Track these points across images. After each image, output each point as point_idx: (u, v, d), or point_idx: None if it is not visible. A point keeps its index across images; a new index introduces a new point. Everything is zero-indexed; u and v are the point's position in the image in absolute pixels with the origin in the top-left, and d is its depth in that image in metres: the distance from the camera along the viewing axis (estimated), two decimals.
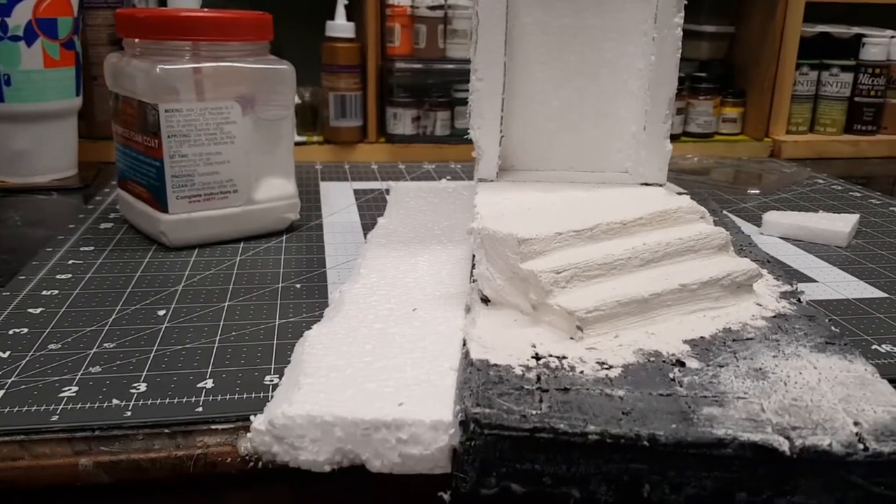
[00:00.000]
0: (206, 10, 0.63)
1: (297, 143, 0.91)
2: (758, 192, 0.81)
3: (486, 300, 0.43)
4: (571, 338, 0.38)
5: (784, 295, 0.45)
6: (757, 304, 0.43)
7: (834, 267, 0.59)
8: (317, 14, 0.90)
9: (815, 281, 0.56)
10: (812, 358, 0.37)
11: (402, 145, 0.93)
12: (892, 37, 1.04)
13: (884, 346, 0.46)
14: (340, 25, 0.88)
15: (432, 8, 0.88)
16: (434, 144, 0.93)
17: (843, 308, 0.51)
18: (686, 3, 0.49)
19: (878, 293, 0.54)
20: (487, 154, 0.53)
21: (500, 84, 0.51)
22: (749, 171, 0.92)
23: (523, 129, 0.55)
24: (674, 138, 0.99)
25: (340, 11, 0.88)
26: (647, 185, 0.53)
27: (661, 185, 0.52)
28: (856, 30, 1.05)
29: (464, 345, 0.38)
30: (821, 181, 0.88)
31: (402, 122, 0.93)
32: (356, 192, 0.79)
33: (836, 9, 1.05)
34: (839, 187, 0.85)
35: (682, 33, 0.49)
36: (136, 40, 0.58)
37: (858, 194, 0.83)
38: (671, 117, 0.51)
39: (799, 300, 0.45)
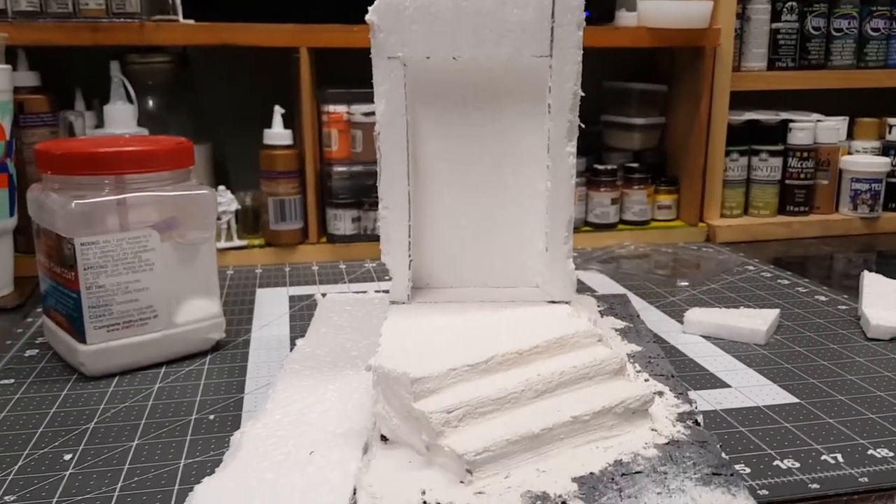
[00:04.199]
0: (125, 141, 0.64)
1: (238, 248, 0.92)
2: (687, 283, 0.83)
3: (385, 438, 0.43)
4: (462, 481, 0.39)
5: (681, 417, 0.46)
6: (652, 429, 0.44)
7: (750, 369, 0.61)
8: (258, 119, 0.92)
9: (728, 386, 0.57)
10: (696, 493, 0.38)
11: (343, 244, 0.95)
12: (818, 121, 1.08)
13: (786, 461, 0.47)
14: (278, 133, 0.90)
15: (367, 114, 0.90)
16: (374, 242, 0.94)
17: (752, 418, 0.52)
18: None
19: (789, 398, 0.55)
20: (397, 277, 0.54)
21: (405, 212, 0.53)
22: (683, 258, 0.94)
23: (436, 249, 0.57)
24: (611, 227, 1.02)
25: (277, 120, 0.90)
26: (553, 302, 0.54)
27: (567, 303, 0.54)
28: (783, 115, 1.09)
29: (354, 493, 0.38)
30: (751, 267, 0.90)
31: (343, 221, 0.94)
32: (292, 298, 0.79)
33: (763, 96, 1.09)
34: (768, 274, 0.87)
35: (574, 161, 0.51)
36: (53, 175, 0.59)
37: (787, 282, 0.84)
38: (570, 238, 0.53)
39: (696, 422, 0.45)
